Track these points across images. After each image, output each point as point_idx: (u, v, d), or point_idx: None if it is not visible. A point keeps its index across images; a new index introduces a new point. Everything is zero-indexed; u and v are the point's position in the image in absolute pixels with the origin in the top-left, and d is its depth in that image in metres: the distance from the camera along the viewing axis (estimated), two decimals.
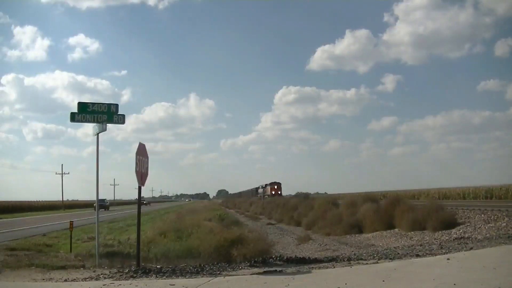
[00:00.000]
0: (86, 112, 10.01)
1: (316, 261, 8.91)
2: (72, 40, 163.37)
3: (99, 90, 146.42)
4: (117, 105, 10.21)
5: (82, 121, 10.08)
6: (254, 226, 27.46)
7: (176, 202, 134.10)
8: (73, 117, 10.00)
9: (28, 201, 62.13)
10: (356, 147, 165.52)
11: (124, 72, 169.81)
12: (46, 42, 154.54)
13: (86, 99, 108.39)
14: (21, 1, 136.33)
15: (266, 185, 66.47)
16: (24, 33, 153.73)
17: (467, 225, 14.03)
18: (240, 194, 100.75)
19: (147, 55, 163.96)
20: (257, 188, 75.87)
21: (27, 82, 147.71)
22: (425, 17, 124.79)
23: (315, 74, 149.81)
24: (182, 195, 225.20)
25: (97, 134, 10.07)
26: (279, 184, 63.12)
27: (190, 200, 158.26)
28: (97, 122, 10.01)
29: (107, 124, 10.00)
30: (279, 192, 61.12)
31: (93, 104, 10.13)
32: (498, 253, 8.73)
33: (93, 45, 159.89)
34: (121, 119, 10.22)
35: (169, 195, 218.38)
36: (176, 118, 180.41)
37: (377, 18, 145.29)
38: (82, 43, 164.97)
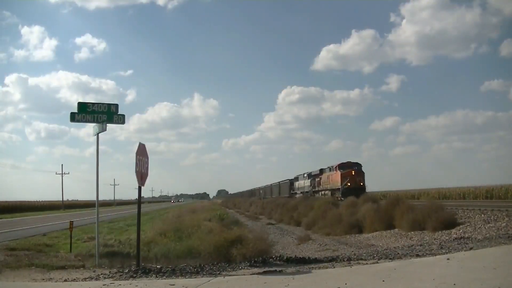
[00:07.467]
0: (86, 112, 10.03)
1: (316, 261, 8.90)
2: (79, 40, 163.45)
3: (104, 90, 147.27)
4: (117, 105, 10.24)
5: (82, 121, 10.11)
6: (254, 226, 27.46)
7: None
8: (73, 117, 10.03)
9: (28, 201, 62.28)
10: (358, 147, 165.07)
11: (130, 72, 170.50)
12: (53, 42, 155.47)
13: (91, 99, 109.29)
14: (29, 1, 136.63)
15: (326, 170, 36.98)
16: (32, 33, 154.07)
17: (467, 225, 14.01)
18: (251, 193, 77.78)
19: (153, 55, 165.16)
20: (292, 181, 48.27)
21: (32, 82, 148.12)
22: (431, 17, 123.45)
23: (319, 74, 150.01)
24: (182, 195, 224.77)
25: (97, 134, 10.08)
26: (359, 167, 33.23)
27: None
28: (97, 122, 10.03)
29: (107, 124, 10.02)
30: (362, 184, 32.20)
31: (93, 104, 10.16)
32: (498, 253, 8.71)
33: (100, 45, 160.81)
34: (121, 119, 10.23)
35: (169, 195, 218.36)
36: (179, 118, 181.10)
37: (383, 18, 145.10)
38: (89, 43, 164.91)
